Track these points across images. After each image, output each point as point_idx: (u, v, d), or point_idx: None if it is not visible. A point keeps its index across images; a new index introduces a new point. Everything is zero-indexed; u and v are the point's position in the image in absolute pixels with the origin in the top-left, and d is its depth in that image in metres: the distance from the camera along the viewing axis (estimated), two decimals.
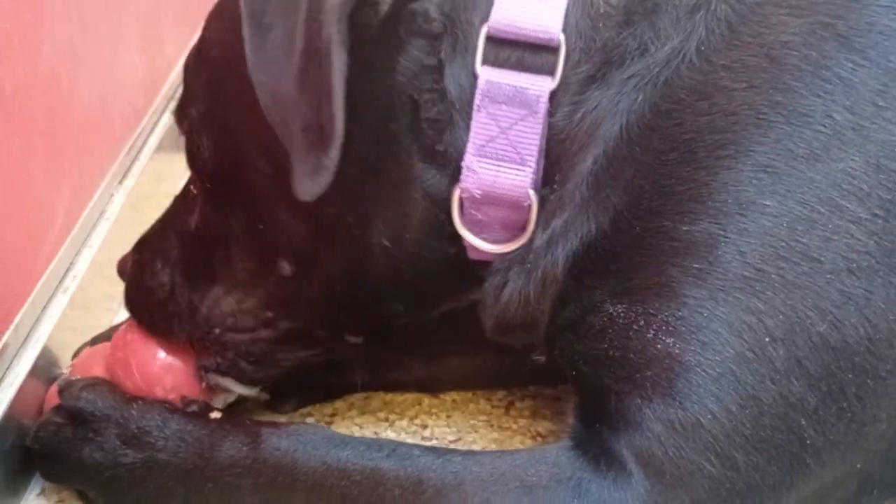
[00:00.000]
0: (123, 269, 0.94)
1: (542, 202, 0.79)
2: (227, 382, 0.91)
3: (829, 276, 0.71)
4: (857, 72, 0.73)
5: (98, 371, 0.90)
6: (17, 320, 0.93)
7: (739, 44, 0.75)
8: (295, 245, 0.83)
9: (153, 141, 1.31)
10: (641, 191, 0.76)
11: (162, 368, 0.88)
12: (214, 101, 0.85)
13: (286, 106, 0.74)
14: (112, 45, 1.23)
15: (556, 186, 0.79)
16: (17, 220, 0.96)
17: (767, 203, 0.72)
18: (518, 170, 0.78)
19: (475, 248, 0.81)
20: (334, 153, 0.73)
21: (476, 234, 0.81)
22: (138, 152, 1.28)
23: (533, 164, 0.78)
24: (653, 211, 0.75)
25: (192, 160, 0.88)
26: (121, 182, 1.23)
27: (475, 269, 0.83)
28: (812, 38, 0.74)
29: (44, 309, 0.99)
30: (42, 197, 1.02)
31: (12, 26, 0.94)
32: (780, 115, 0.73)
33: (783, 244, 0.72)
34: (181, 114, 0.88)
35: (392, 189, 0.80)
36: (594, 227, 0.77)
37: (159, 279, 0.89)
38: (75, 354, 0.97)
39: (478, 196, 0.79)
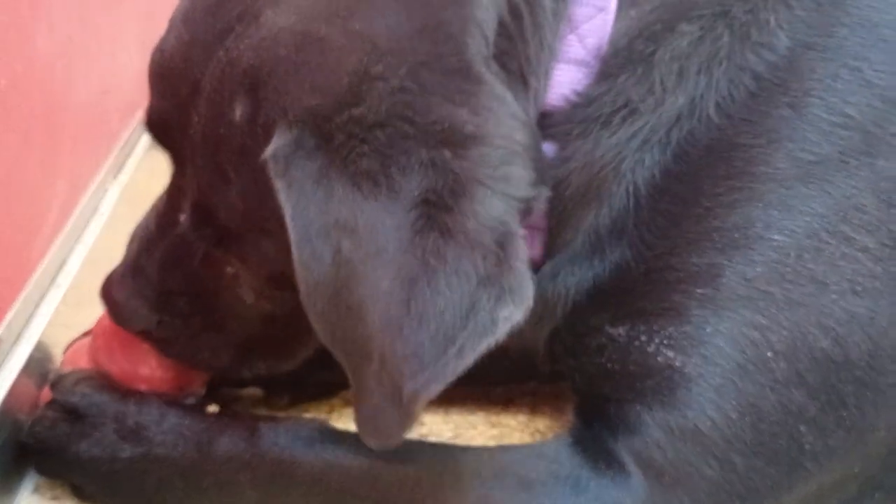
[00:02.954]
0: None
1: None
2: None
3: (833, 296, 0.72)
4: (877, 114, 0.72)
5: (83, 363, 0.89)
6: (9, 316, 0.92)
7: (763, 94, 0.73)
8: None
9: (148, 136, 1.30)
10: (648, 245, 0.75)
11: (143, 349, 0.86)
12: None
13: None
14: (109, 40, 1.23)
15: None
16: (11, 214, 0.95)
17: (776, 238, 0.72)
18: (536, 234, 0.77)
19: None
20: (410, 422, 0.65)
21: None
22: (133, 147, 1.28)
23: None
24: (659, 255, 0.75)
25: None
26: (115, 177, 1.23)
27: None
28: (837, 84, 0.72)
29: (37, 305, 0.98)
30: (37, 192, 1.01)
31: (9, 20, 0.93)
32: (797, 168, 0.72)
33: (789, 269, 0.72)
34: (179, 191, 0.77)
35: None
36: (591, 275, 0.77)
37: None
38: (67, 349, 0.97)
39: None
